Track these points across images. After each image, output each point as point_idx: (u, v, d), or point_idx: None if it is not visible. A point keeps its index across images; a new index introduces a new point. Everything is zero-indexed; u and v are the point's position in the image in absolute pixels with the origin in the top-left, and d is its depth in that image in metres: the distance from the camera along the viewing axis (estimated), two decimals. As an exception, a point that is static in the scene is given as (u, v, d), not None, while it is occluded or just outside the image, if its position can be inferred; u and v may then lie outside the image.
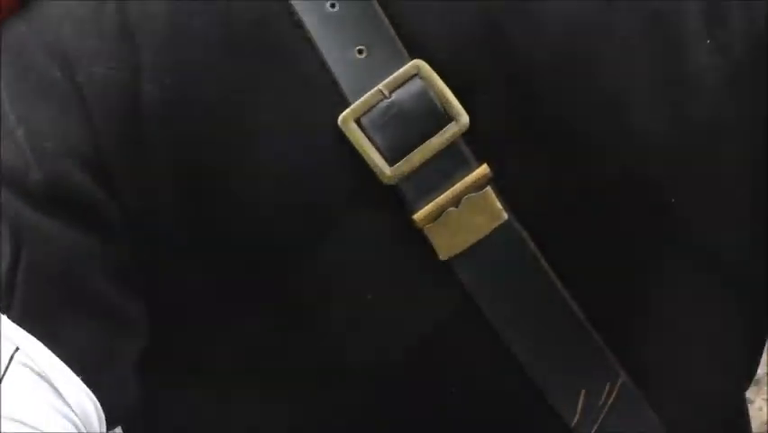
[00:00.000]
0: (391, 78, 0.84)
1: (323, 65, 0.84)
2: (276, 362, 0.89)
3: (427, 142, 0.84)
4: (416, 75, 0.84)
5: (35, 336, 0.80)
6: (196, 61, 0.84)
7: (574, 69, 0.85)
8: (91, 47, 0.85)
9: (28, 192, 0.83)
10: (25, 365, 0.79)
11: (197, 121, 0.84)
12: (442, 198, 0.85)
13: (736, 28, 0.87)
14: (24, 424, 0.77)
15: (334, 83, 0.84)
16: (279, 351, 0.89)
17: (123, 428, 0.99)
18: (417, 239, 0.86)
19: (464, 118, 0.84)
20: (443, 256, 0.86)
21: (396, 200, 0.85)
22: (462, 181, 0.85)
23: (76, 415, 0.80)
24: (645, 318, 0.90)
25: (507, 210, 0.86)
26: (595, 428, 0.90)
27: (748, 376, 0.98)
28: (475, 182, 0.85)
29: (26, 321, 0.80)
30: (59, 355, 0.80)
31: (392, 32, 0.85)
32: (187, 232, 0.85)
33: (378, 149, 0.84)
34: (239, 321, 0.87)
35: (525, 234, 0.86)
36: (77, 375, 0.81)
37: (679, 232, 0.88)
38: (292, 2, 0.85)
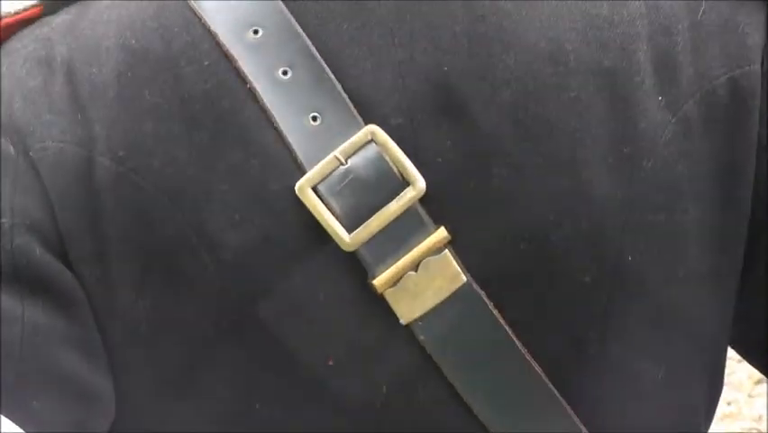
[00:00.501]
0: (346, 144, 0.85)
1: (277, 133, 0.84)
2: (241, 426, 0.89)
3: (385, 207, 0.85)
4: (370, 140, 0.85)
5: (5, 415, 0.80)
6: (149, 133, 0.84)
7: (528, 130, 0.86)
8: (43, 121, 0.85)
9: None
10: None
11: (153, 193, 0.84)
12: (401, 263, 0.85)
13: (687, 83, 0.88)
14: None
15: (290, 151, 0.84)
16: (243, 414, 0.89)
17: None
18: (378, 304, 0.86)
19: (421, 183, 0.85)
20: (404, 321, 0.86)
21: (355, 266, 0.85)
22: (421, 245, 0.85)
23: None
24: (604, 374, 0.90)
25: (465, 272, 0.86)
26: None
27: (707, 426, 0.99)
28: (433, 246, 0.85)
29: None
30: None
31: (345, 97, 0.85)
32: (149, 301, 0.85)
33: (336, 216, 0.84)
34: (204, 392, 0.87)
35: (483, 294, 0.87)
36: None
37: (636, 289, 0.89)
38: (244, 70, 0.85)
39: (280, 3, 0.86)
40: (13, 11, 0.91)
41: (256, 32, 0.86)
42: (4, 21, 0.91)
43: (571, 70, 0.86)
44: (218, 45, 0.85)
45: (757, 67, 0.90)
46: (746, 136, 0.89)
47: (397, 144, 0.85)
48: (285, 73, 0.85)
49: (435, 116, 0.85)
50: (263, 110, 0.84)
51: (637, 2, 0.88)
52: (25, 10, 0.91)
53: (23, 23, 0.91)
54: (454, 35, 0.86)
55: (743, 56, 0.90)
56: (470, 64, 0.85)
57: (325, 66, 0.85)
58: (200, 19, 0.86)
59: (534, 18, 0.86)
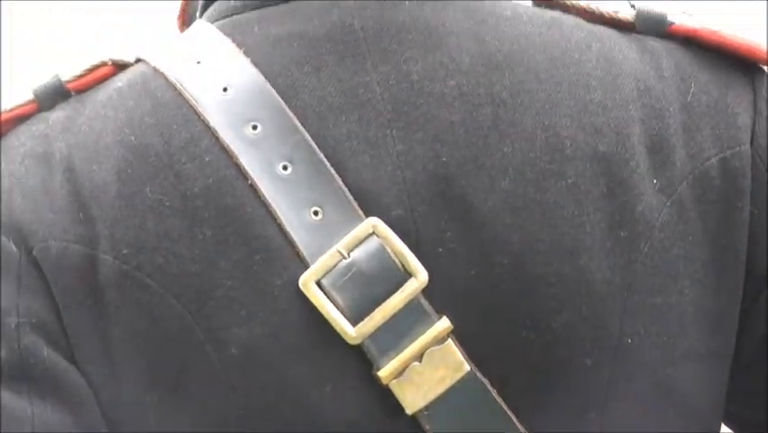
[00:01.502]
0: (348, 237, 0.85)
1: (279, 228, 0.85)
2: None
3: (388, 300, 0.85)
4: (372, 233, 0.85)
5: None
6: (151, 231, 0.85)
7: (527, 218, 0.86)
8: (45, 220, 0.86)
9: None
10: None
11: (158, 290, 0.85)
12: (405, 354, 0.86)
13: (680, 166, 0.89)
14: None
15: (293, 246, 0.85)
16: None
17: None
18: (383, 394, 0.86)
19: (423, 275, 0.85)
20: (409, 411, 0.86)
21: (360, 358, 0.86)
22: (424, 336, 0.86)
23: None
24: None
25: (468, 361, 0.87)
26: None
27: None
28: (437, 336, 0.86)
29: None
30: None
31: (345, 191, 0.85)
32: (155, 396, 0.86)
33: (340, 309, 0.85)
34: None
35: (486, 382, 0.87)
36: None
37: (635, 369, 0.90)
38: (245, 166, 0.85)
39: (278, 98, 0.86)
40: (8, 107, 0.91)
41: (255, 127, 0.86)
42: (1, 117, 0.91)
43: (568, 157, 0.87)
44: (218, 141, 0.86)
45: (747, 147, 0.91)
46: (738, 216, 0.91)
47: (399, 236, 0.85)
48: (285, 168, 0.86)
49: (435, 207, 0.86)
50: (265, 205, 0.85)
51: (629, 85, 0.90)
52: (20, 106, 0.91)
53: (19, 119, 0.91)
54: (451, 125, 0.87)
55: (733, 137, 0.91)
56: (467, 154, 0.86)
57: (325, 160, 0.86)
58: (199, 115, 0.86)
59: (529, 106, 0.87)
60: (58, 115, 0.90)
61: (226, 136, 0.86)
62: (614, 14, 0.94)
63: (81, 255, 0.85)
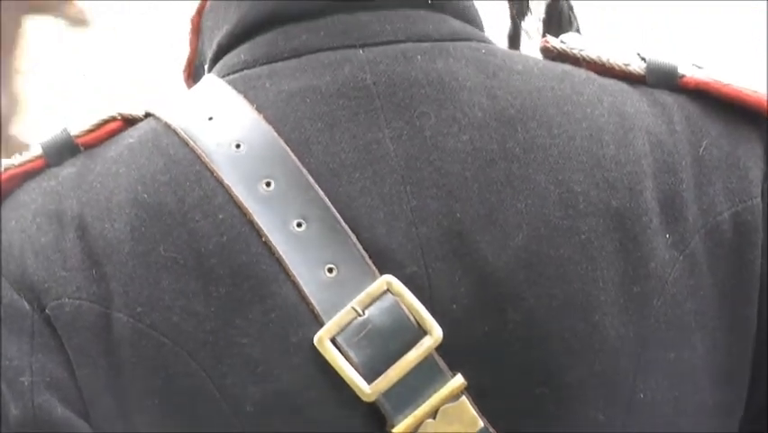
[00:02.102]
0: (363, 295, 0.85)
1: (294, 286, 0.85)
2: None
3: (403, 357, 0.85)
4: (386, 290, 0.85)
5: None
6: (166, 289, 0.84)
7: (540, 274, 0.87)
8: (58, 278, 0.85)
9: (7, 429, 0.82)
10: None
11: (173, 348, 0.84)
12: (419, 411, 0.86)
13: (692, 220, 0.90)
14: None
15: (307, 303, 0.85)
16: None
17: None
18: None
19: (437, 331, 0.85)
20: None
21: (375, 414, 0.86)
22: (438, 393, 0.86)
23: None
24: None
25: (481, 417, 0.86)
26: None
27: None
28: (451, 393, 0.86)
29: None
30: None
31: (360, 248, 0.85)
32: None
33: (355, 366, 0.85)
34: None
35: None
36: None
37: (647, 422, 0.90)
38: (259, 223, 0.85)
39: (291, 154, 0.86)
40: (16, 162, 0.91)
41: (268, 184, 0.86)
42: (8, 172, 0.90)
43: (581, 213, 0.87)
44: (231, 198, 0.85)
45: (759, 201, 0.91)
46: (750, 269, 0.91)
47: (413, 293, 0.85)
48: (299, 225, 0.85)
49: (449, 263, 0.86)
50: (279, 263, 0.85)
51: (641, 140, 0.90)
52: (28, 161, 0.91)
53: (27, 174, 0.90)
54: (465, 181, 0.87)
55: (744, 190, 0.91)
56: (481, 210, 0.86)
57: (339, 217, 0.85)
58: (212, 172, 0.86)
59: (542, 161, 0.88)
60: (68, 171, 0.89)
61: (240, 193, 0.85)
62: (624, 67, 0.94)
63: (95, 314, 0.85)
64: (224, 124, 0.88)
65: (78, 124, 0.92)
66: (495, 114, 0.89)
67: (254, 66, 0.91)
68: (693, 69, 0.95)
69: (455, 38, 0.92)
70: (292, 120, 0.88)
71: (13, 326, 0.85)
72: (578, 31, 1.05)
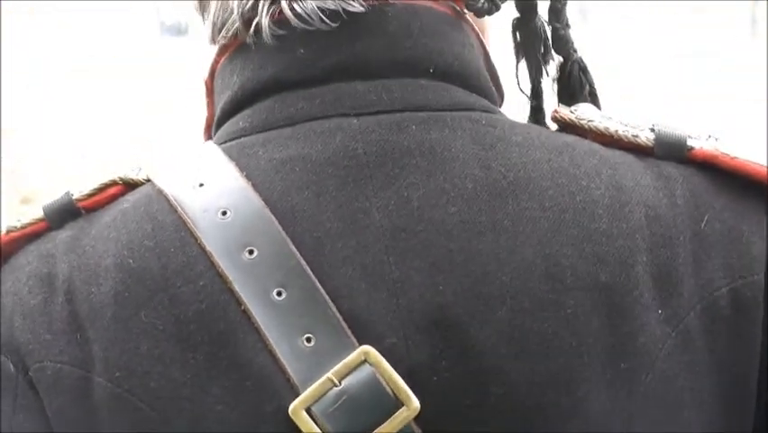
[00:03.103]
0: (340, 365, 0.85)
1: (271, 354, 0.85)
2: None
3: (378, 428, 0.84)
4: (364, 361, 0.85)
5: None
6: (144, 355, 0.85)
7: (523, 348, 0.85)
8: (42, 341, 0.87)
9: None
10: None
11: (149, 414, 0.85)
12: None
13: (687, 295, 0.88)
14: None
15: (283, 372, 0.85)
16: None
17: None
18: None
19: (414, 403, 0.84)
20: None
21: None
22: None
23: None
24: None
25: None
26: None
27: None
28: None
29: None
30: None
31: (339, 318, 0.85)
32: None
33: None
34: None
35: None
36: None
37: None
38: (238, 291, 0.85)
39: (275, 223, 0.87)
40: (18, 224, 0.93)
41: (251, 252, 0.86)
42: (10, 234, 0.93)
43: (568, 287, 0.86)
44: (213, 265, 0.86)
45: (761, 277, 0.89)
46: (749, 347, 0.89)
47: (392, 364, 0.85)
48: (279, 294, 0.86)
49: (430, 335, 0.85)
50: (257, 331, 0.85)
51: (637, 213, 0.88)
52: (31, 224, 0.93)
53: (29, 237, 0.93)
54: (450, 253, 0.86)
55: (746, 266, 0.89)
56: (465, 282, 0.85)
57: (320, 287, 0.85)
58: (196, 239, 0.87)
59: (531, 234, 0.86)
60: (65, 234, 0.91)
61: (221, 261, 0.86)
62: (633, 139, 0.93)
63: (75, 377, 0.86)
64: (213, 191, 0.89)
65: (81, 187, 0.94)
66: (487, 185, 0.88)
67: (251, 133, 0.92)
68: (703, 140, 0.93)
69: (456, 108, 0.92)
70: (280, 188, 0.88)
71: None
72: (591, 92, 1.04)
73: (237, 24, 0.93)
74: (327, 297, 0.85)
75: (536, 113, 1.05)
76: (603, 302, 0.86)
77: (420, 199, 0.87)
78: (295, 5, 0.91)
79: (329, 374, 0.85)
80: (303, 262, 0.86)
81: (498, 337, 0.85)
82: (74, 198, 0.93)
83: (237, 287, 0.85)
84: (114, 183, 0.94)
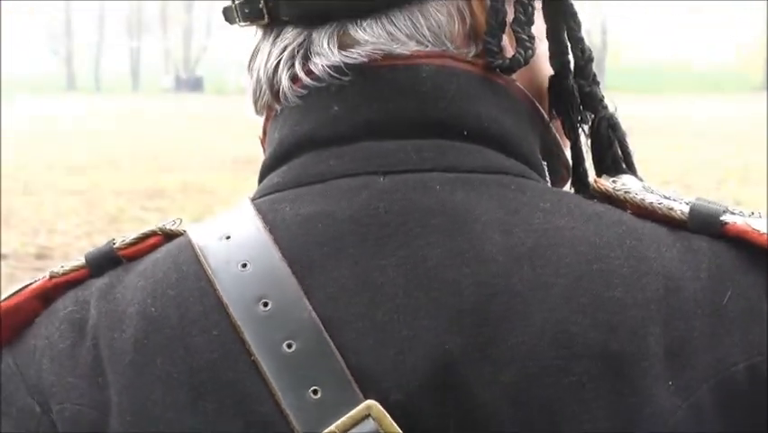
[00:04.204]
0: (344, 418, 0.86)
1: (277, 405, 0.86)
2: None
3: None
4: (368, 415, 0.85)
5: None
6: (157, 401, 0.88)
7: (528, 412, 0.85)
8: (65, 383, 0.91)
9: None
10: None
11: None
12: None
13: (701, 369, 0.86)
14: None
15: (287, 423, 0.86)
16: None
17: None
18: None
19: None
20: None
21: None
22: None
23: None
24: None
25: None
26: None
27: None
28: None
29: None
30: None
31: (346, 372, 0.86)
32: None
33: None
34: None
35: None
36: None
37: None
38: (249, 342, 0.87)
39: (292, 277, 0.89)
40: (61, 270, 0.97)
41: (266, 304, 0.89)
42: (53, 280, 0.97)
43: (576, 354, 0.85)
44: (228, 316, 0.88)
45: None
46: (766, 422, 0.86)
47: (396, 421, 0.85)
48: (289, 346, 0.87)
49: (435, 394, 0.86)
50: (265, 382, 0.87)
51: (655, 285, 0.88)
52: (72, 270, 0.97)
53: (69, 284, 0.97)
54: (460, 313, 0.87)
55: (765, 343, 0.87)
56: (473, 343, 0.86)
57: (329, 340, 0.87)
58: (215, 290, 0.89)
59: (543, 299, 0.87)
60: (102, 281, 0.95)
61: (236, 311, 0.88)
62: (667, 212, 0.92)
63: (92, 418, 0.90)
64: (237, 244, 0.91)
65: (123, 236, 0.98)
66: (505, 249, 0.88)
67: (285, 189, 0.95)
68: (738, 216, 0.92)
69: (487, 170, 0.93)
70: (300, 243, 0.90)
71: (23, 426, 0.92)
72: (623, 148, 1.03)
73: (267, 97, 0.97)
74: (336, 351, 0.87)
75: (578, 176, 1.05)
76: (611, 371, 0.85)
77: (436, 259, 0.88)
78: (311, 65, 0.94)
79: (332, 427, 0.86)
80: (314, 316, 0.88)
81: (503, 400, 0.85)
82: (115, 246, 0.97)
83: (248, 337, 0.87)
84: (153, 233, 0.97)
